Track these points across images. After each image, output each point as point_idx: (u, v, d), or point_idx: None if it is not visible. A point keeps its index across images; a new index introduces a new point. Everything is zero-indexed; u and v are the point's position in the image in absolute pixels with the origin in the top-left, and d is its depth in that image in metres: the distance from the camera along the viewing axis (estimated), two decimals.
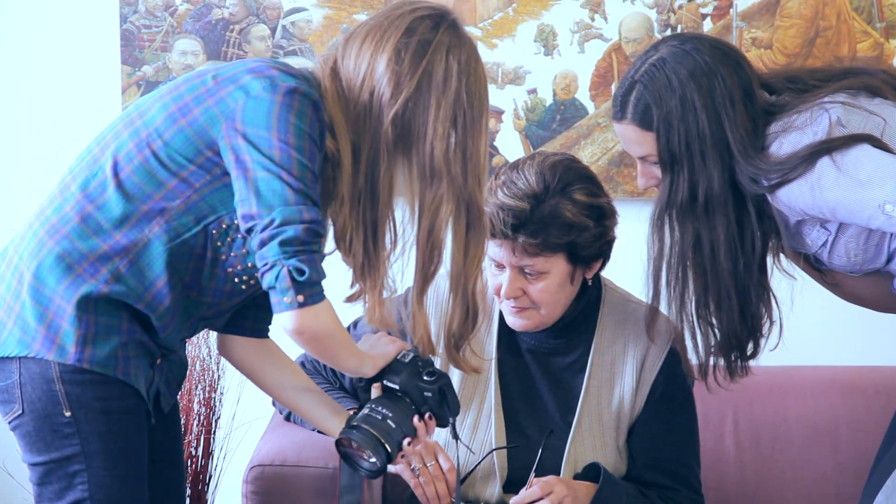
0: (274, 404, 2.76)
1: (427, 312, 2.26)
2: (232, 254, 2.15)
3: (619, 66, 3.46)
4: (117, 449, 2.14)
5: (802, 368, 3.19)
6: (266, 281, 2.05)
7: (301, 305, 2.04)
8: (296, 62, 2.25)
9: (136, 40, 3.49)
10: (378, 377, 2.29)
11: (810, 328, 3.46)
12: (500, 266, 2.52)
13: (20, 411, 2.13)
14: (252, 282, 2.18)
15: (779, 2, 3.42)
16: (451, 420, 2.29)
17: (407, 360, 2.28)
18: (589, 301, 2.63)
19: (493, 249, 2.50)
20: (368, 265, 2.18)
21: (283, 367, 2.38)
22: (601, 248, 2.55)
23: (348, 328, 2.51)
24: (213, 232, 2.13)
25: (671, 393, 2.61)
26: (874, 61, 3.40)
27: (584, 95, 3.47)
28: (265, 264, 2.05)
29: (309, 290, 2.04)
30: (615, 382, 2.61)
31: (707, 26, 3.44)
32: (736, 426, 3.07)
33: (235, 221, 2.12)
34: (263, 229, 2.04)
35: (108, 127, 2.21)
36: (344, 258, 2.19)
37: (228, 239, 2.14)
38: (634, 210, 3.49)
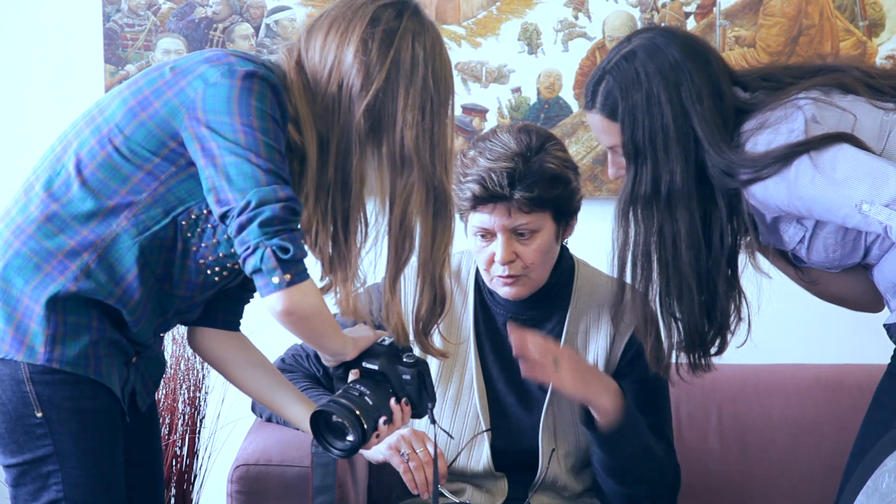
0: (253, 410, 2.76)
1: (400, 300, 2.27)
2: (203, 244, 2.14)
3: None
4: (91, 448, 2.13)
5: (786, 367, 3.20)
6: (250, 265, 2.04)
7: (289, 284, 2.03)
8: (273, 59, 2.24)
9: (119, 39, 3.49)
10: (356, 363, 2.29)
11: (793, 326, 3.47)
12: (489, 235, 2.56)
13: None
14: (225, 273, 2.17)
15: (762, 0, 3.43)
16: (429, 406, 2.30)
17: (386, 344, 2.28)
18: (563, 272, 2.68)
19: (483, 217, 2.54)
20: (339, 257, 2.18)
21: (254, 360, 2.37)
22: (577, 204, 2.62)
23: None
24: (183, 223, 2.12)
25: (643, 355, 2.64)
26: (857, 59, 3.41)
27: (567, 94, 3.47)
28: (246, 248, 2.03)
29: (295, 267, 2.04)
30: (589, 349, 2.66)
31: (690, 24, 3.44)
32: (720, 425, 3.07)
33: (205, 211, 2.11)
34: (240, 213, 2.03)
35: (69, 126, 2.20)
36: (311, 251, 2.18)
37: (198, 230, 2.13)
38: None
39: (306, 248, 2.16)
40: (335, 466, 2.54)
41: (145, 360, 2.24)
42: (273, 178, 2.04)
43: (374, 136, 2.16)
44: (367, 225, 2.20)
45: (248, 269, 2.04)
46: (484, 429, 2.62)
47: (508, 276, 2.57)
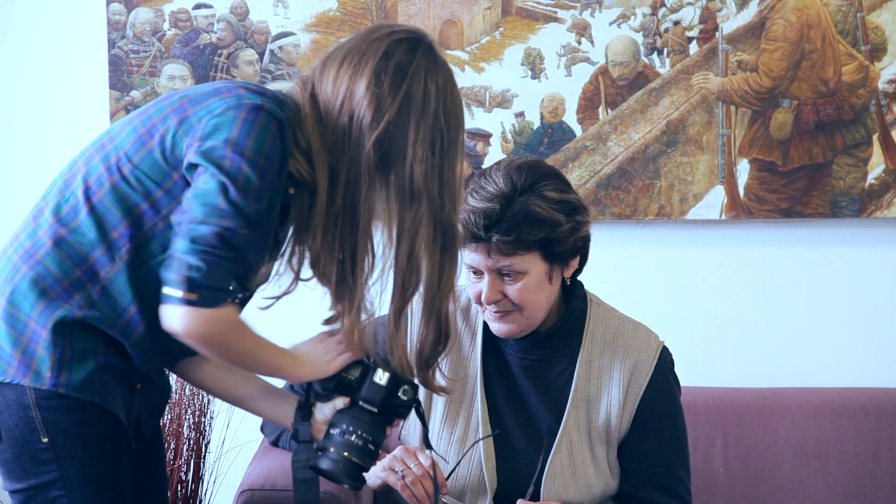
0: (262, 430, 2.76)
1: (405, 334, 2.26)
2: None
3: (605, 90, 3.47)
4: (96, 474, 2.13)
5: (791, 390, 3.20)
6: (164, 271, 2.04)
7: (188, 303, 2.02)
8: (283, 86, 2.24)
9: (124, 65, 3.50)
10: (352, 396, 2.27)
11: (798, 349, 3.47)
12: (478, 273, 2.52)
13: None
14: None
15: (764, 25, 3.44)
16: (425, 432, 2.30)
17: (384, 383, 2.27)
18: (574, 313, 2.62)
19: (469, 256, 2.51)
20: (345, 288, 2.17)
21: (246, 377, 2.32)
22: (576, 243, 2.54)
23: None
24: None
25: (659, 408, 2.60)
26: (860, 83, 3.42)
27: (571, 118, 3.48)
28: (170, 255, 2.04)
29: (202, 291, 2.02)
30: (602, 395, 2.59)
31: (693, 49, 3.45)
32: (725, 448, 3.07)
33: None
34: (183, 223, 2.04)
35: (80, 152, 2.20)
36: (319, 282, 2.18)
37: None
38: (622, 232, 3.51)
39: (304, 280, 2.16)
40: (317, 482, 2.49)
41: (151, 385, 2.24)
42: (232, 208, 2.03)
43: (384, 168, 2.15)
44: (374, 256, 2.19)
45: (162, 275, 2.05)
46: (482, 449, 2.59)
47: (497, 312, 2.54)
